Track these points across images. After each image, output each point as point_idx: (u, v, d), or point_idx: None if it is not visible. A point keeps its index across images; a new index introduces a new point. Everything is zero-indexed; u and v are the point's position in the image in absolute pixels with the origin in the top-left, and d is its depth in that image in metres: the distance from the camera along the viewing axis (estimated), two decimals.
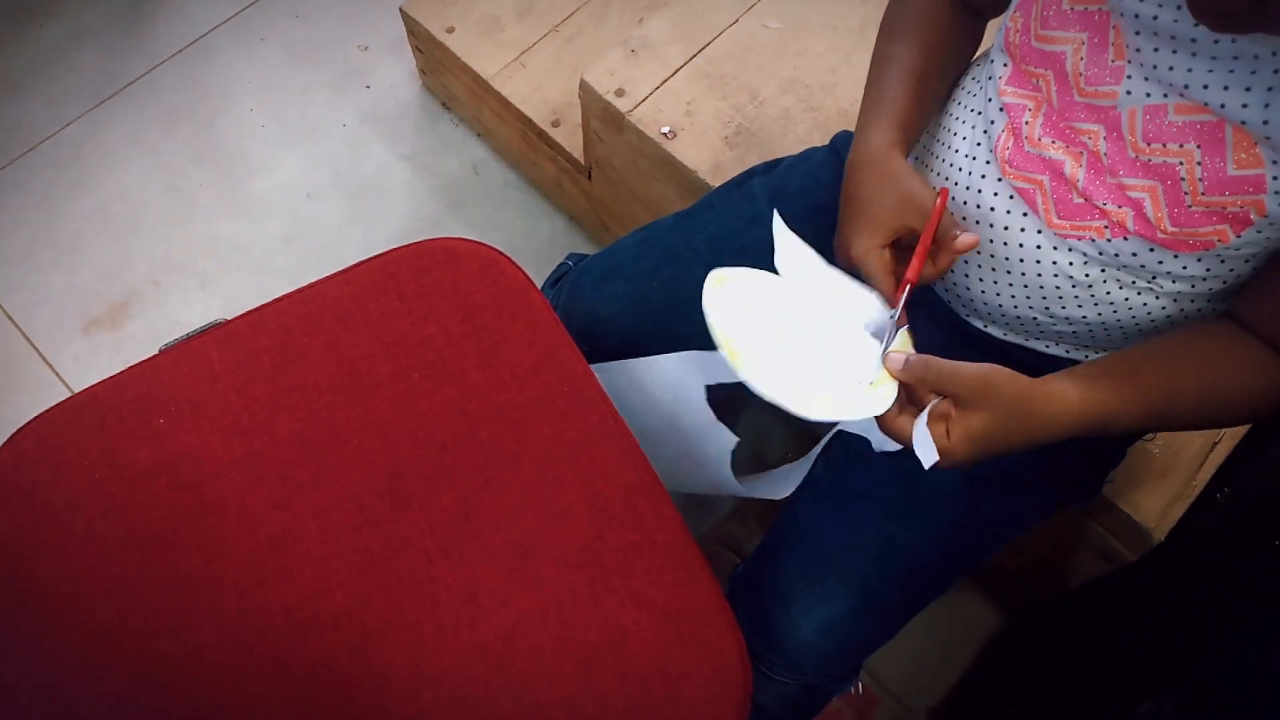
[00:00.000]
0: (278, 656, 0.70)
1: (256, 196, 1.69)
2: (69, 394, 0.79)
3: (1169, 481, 1.08)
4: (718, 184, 1.14)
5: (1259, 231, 0.64)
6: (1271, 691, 0.62)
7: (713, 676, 0.69)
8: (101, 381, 0.80)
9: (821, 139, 1.02)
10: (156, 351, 0.82)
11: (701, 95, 1.25)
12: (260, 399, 0.77)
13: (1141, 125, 0.65)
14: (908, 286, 0.71)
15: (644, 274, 0.95)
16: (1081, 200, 0.70)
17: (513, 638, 0.70)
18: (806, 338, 0.71)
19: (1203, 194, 0.64)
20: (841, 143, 0.97)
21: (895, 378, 0.67)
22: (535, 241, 1.66)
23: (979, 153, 0.77)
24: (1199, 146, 0.63)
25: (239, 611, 0.71)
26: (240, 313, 0.82)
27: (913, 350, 0.70)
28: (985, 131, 0.77)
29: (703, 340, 0.93)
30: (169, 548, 0.73)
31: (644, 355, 0.94)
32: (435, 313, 0.81)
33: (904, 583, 0.83)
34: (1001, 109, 0.75)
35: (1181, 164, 0.64)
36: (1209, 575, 0.81)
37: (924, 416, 0.64)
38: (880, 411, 0.67)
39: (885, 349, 0.69)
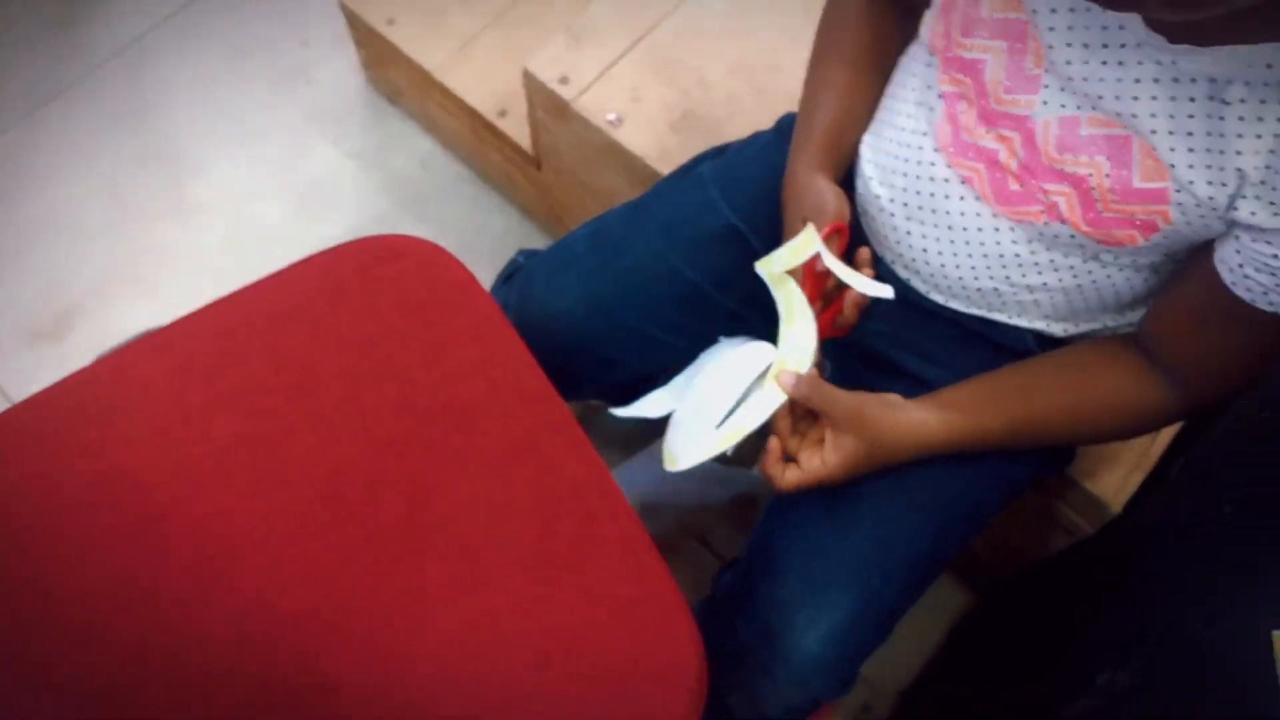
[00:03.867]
0: (225, 669, 0.68)
1: (199, 200, 1.65)
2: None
3: (1126, 454, 1.08)
4: (666, 170, 1.13)
5: (1164, 238, 0.67)
6: (1216, 658, 0.62)
7: (666, 667, 0.69)
8: (35, 395, 0.77)
9: (769, 121, 1.01)
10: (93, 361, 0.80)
11: (647, 80, 1.24)
12: (196, 405, 0.76)
13: (1055, 136, 0.68)
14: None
15: (596, 267, 0.94)
16: (1018, 187, 0.72)
17: (463, 639, 0.69)
18: (703, 393, 0.79)
19: (1114, 202, 0.67)
20: (786, 125, 0.96)
21: (787, 393, 0.73)
22: (488, 236, 1.64)
23: (924, 140, 0.78)
24: (1108, 159, 0.66)
25: (183, 625, 0.69)
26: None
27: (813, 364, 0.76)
28: (926, 118, 0.78)
29: (654, 331, 0.93)
30: (109, 561, 0.71)
31: (598, 350, 0.94)
32: (376, 309, 0.80)
33: (901, 581, 0.82)
34: (940, 96, 0.76)
35: (1091, 174, 0.67)
36: (1163, 545, 0.82)
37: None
38: (776, 405, 0.74)
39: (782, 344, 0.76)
